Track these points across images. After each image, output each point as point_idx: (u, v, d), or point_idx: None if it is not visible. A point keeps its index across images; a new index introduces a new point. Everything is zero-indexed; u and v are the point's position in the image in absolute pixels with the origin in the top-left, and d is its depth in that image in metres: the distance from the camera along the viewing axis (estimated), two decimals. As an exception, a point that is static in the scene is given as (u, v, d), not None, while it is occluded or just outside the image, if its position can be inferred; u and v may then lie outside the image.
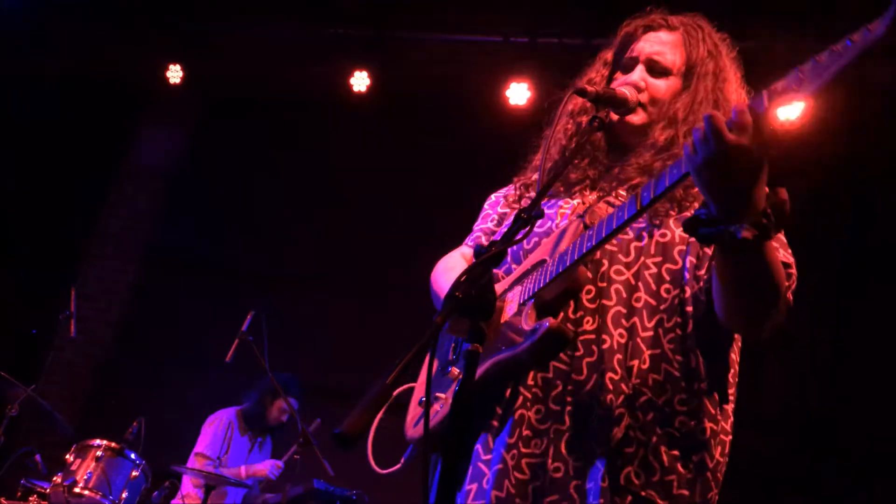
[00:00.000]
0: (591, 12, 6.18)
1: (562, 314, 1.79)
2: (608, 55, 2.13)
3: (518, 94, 6.47)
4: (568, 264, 1.68)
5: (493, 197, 2.26)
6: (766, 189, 1.44)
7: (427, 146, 6.81)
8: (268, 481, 5.39)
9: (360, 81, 6.79)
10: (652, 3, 2.12)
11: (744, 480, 5.37)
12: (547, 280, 1.72)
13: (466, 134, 6.63)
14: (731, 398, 1.85)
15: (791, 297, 1.71)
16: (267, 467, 5.40)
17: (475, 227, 2.24)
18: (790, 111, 5.74)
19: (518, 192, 2.16)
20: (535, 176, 2.02)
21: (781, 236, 1.81)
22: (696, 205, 1.83)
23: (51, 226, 7.34)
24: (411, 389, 2.04)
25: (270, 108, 7.27)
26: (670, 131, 1.91)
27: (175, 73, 7.10)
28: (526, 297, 1.76)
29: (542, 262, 1.81)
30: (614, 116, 1.96)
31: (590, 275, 1.80)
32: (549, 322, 1.63)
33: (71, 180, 7.33)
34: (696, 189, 1.80)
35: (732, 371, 1.86)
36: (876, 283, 5.81)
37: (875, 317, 5.76)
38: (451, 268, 2.14)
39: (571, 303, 1.80)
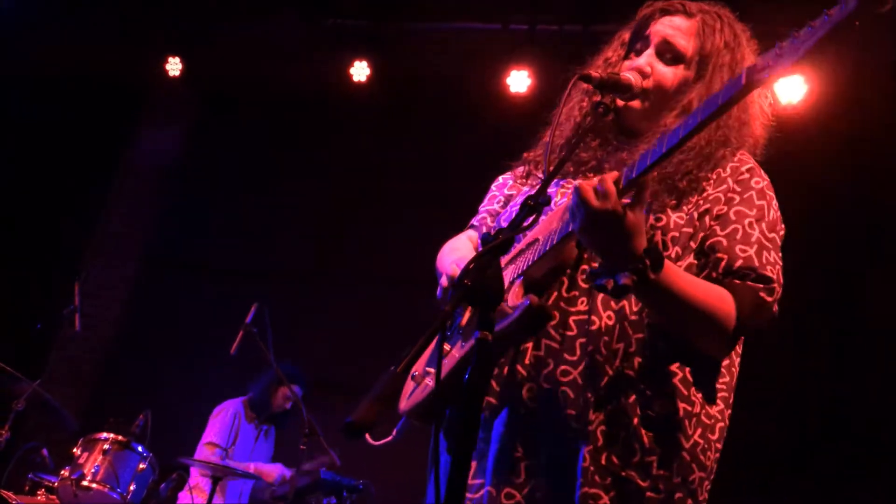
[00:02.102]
0: (590, -2, 6.17)
1: (555, 293, 1.82)
2: (626, 35, 2.11)
3: (518, 81, 6.44)
4: (556, 242, 1.73)
5: (500, 179, 2.26)
6: (643, 237, 1.59)
7: (428, 135, 6.80)
8: (269, 484, 5.42)
9: (359, 71, 6.77)
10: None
11: (753, 465, 5.41)
12: (536, 258, 1.77)
13: (467, 122, 6.61)
14: (723, 387, 1.85)
15: (775, 309, 1.78)
16: (275, 474, 5.42)
17: (480, 209, 2.25)
18: (792, 94, 5.73)
19: (527, 169, 2.16)
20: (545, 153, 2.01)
21: (771, 242, 1.81)
22: (695, 197, 1.85)
23: (53, 223, 7.34)
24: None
25: (269, 101, 7.25)
26: (681, 120, 1.86)
27: (174, 66, 7.08)
28: (516, 275, 1.80)
29: (535, 241, 1.83)
30: (620, 102, 1.94)
31: (585, 255, 1.82)
32: (529, 299, 1.67)
33: (71, 178, 7.33)
34: (702, 179, 1.85)
35: (718, 365, 1.86)
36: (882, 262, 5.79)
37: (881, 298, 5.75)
38: (456, 249, 2.15)
39: (565, 280, 1.83)
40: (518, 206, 1.70)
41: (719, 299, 1.73)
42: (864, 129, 5.70)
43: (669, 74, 1.96)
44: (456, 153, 6.62)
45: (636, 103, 1.95)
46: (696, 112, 1.56)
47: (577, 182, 1.60)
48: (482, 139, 6.43)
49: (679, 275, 1.68)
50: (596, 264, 1.67)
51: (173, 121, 7.63)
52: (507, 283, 1.79)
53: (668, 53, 1.97)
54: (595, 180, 1.57)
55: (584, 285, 1.81)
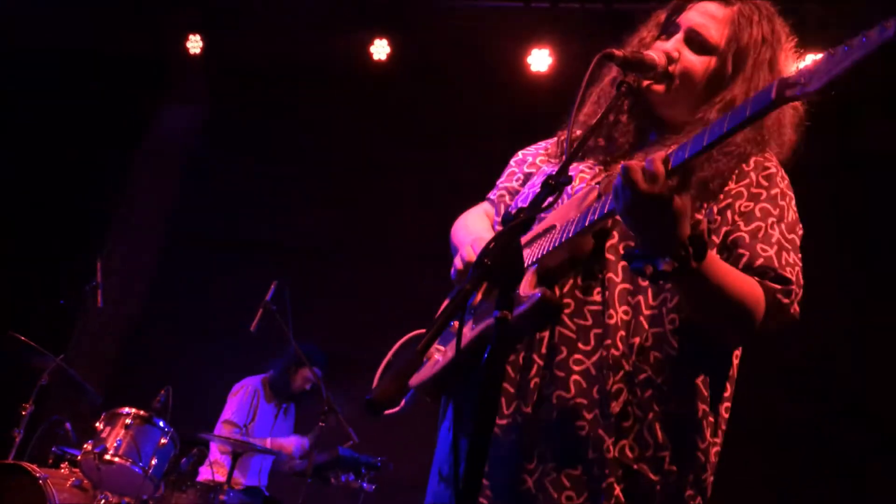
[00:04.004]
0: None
1: (571, 281, 1.80)
2: (662, 16, 2.02)
3: (539, 60, 6.40)
4: (572, 234, 1.70)
5: (520, 154, 2.23)
6: (687, 223, 1.54)
7: (448, 114, 6.78)
8: (290, 458, 5.46)
9: (380, 50, 6.74)
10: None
11: (771, 444, 5.40)
12: (552, 248, 1.74)
13: (488, 101, 6.58)
14: (729, 386, 1.86)
15: (795, 310, 1.75)
16: (293, 445, 5.46)
17: (498, 184, 2.22)
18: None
19: (560, 148, 2.11)
20: (577, 131, 1.97)
21: (791, 243, 1.79)
22: (707, 204, 1.81)
23: (76, 199, 7.40)
24: (417, 337, 2.07)
25: (290, 78, 7.24)
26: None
27: (195, 44, 7.08)
28: (530, 262, 1.77)
29: (552, 227, 1.80)
30: (644, 82, 1.88)
31: (594, 245, 1.80)
32: (541, 291, 1.66)
33: (94, 155, 7.38)
34: (729, 178, 1.81)
35: (731, 364, 1.87)
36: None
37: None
38: (471, 223, 2.13)
39: (581, 269, 1.81)
40: (538, 186, 1.68)
41: (752, 294, 1.70)
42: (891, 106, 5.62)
43: (697, 63, 1.89)
44: (476, 132, 6.59)
45: (660, 87, 1.88)
46: (737, 111, 1.49)
47: (624, 161, 1.55)
48: (502, 118, 6.41)
49: (719, 265, 1.65)
50: (633, 244, 1.63)
51: (195, 98, 7.64)
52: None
53: (697, 42, 1.90)
54: (642, 160, 1.52)
55: (599, 276, 1.79)
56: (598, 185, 1.81)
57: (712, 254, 1.62)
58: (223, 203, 7.36)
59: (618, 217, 1.65)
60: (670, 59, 1.89)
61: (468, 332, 1.81)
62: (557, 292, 1.79)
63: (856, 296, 5.81)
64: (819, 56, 1.36)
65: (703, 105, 1.88)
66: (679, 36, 1.92)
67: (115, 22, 7.27)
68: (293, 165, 7.25)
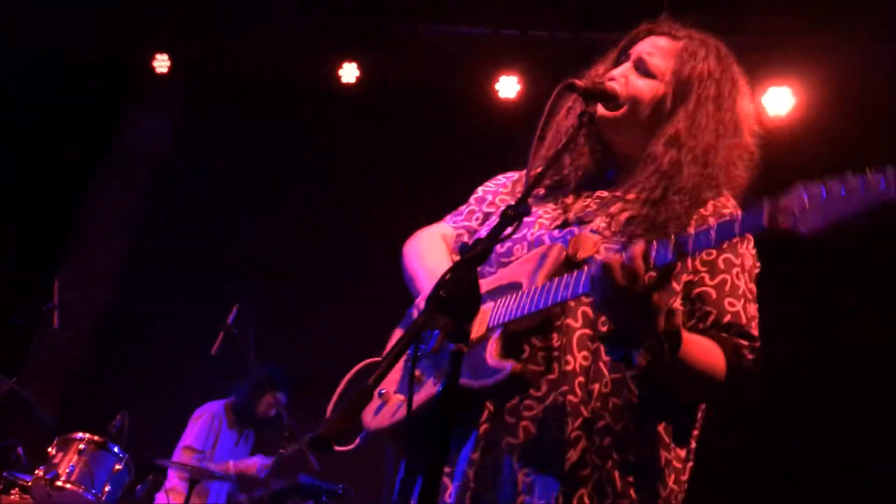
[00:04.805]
0: (580, 5, 6.16)
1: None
2: (616, 52, 2.07)
3: (507, 87, 6.43)
4: (542, 307, 1.68)
5: (479, 191, 2.22)
6: (663, 317, 1.54)
7: (416, 139, 6.78)
8: (255, 479, 5.36)
9: (348, 73, 6.74)
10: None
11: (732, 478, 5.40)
12: (520, 314, 1.71)
13: (455, 126, 6.60)
14: (694, 432, 1.85)
15: (757, 366, 1.76)
16: (255, 465, 5.37)
17: (458, 221, 2.19)
18: (779, 106, 5.74)
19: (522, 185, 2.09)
20: (538, 166, 1.95)
21: (752, 294, 1.81)
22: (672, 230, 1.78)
23: (35, 215, 7.26)
24: (372, 366, 2.04)
25: (258, 97, 7.21)
26: (674, 152, 1.84)
27: (162, 63, 7.03)
28: (495, 323, 1.74)
29: (517, 284, 1.77)
30: (603, 112, 1.90)
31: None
32: (510, 366, 1.64)
33: (55, 169, 7.24)
34: (687, 222, 1.80)
35: (697, 409, 1.86)
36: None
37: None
38: (425, 250, 2.10)
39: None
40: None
41: (715, 361, 1.71)
42: (852, 140, 5.71)
43: (643, 86, 1.93)
44: (443, 157, 6.60)
45: (610, 113, 1.91)
46: (726, 226, 1.47)
47: (603, 255, 1.56)
48: (470, 144, 6.42)
49: (690, 348, 1.64)
50: (606, 328, 1.63)
51: (161, 113, 7.57)
52: (484, 326, 1.75)
53: (643, 69, 1.94)
54: (621, 255, 1.51)
55: (556, 322, 1.76)
56: (564, 245, 1.79)
57: (685, 337, 1.62)
58: (185, 222, 7.27)
59: (616, 242, 1.68)
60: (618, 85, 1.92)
61: (430, 386, 1.78)
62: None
63: (819, 323, 5.87)
64: (812, 188, 1.33)
65: (650, 138, 1.89)
66: (628, 64, 1.97)
67: (82, 35, 7.19)
68: (260, 183, 7.20)
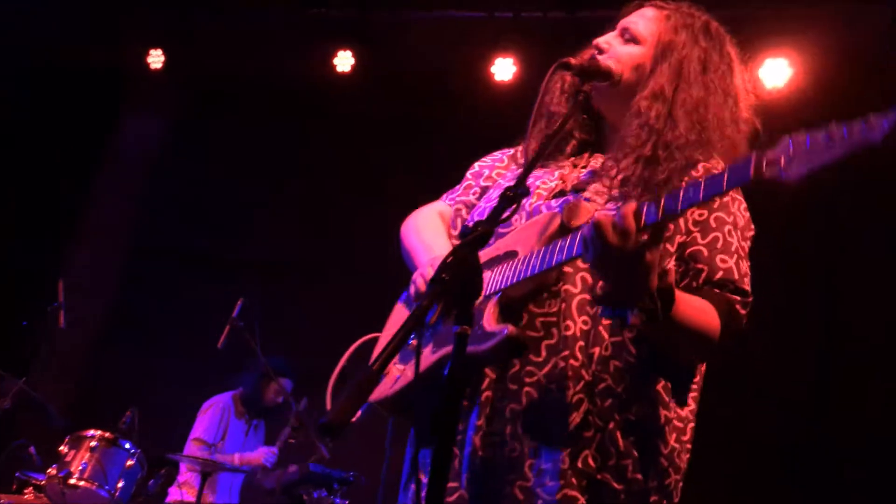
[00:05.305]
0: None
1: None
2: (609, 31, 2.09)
3: (503, 69, 6.42)
4: (538, 271, 1.69)
5: (476, 166, 2.23)
6: (656, 275, 1.55)
7: (413, 125, 6.76)
8: (262, 468, 5.40)
9: (343, 61, 6.72)
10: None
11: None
12: (517, 279, 1.73)
13: (453, 111, 6.58)
14: (694, 387, 1.87)
15: (745, 320, 1.78)
16: (262, 455, 5.41)
17: (455, 197, 2.21)
18: (776, 77, 5.73)
19: (519, 163, 2.13)
20: (534, 144, 1.98)
21: (744, 251, 1.82)
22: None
23: (37, 217, 7.27)
24: (373, 341, 2.09)
25: (253, 91, 7.19)
26: (659, 106, 1.86)
27: (156, 59, 7.01)
28: (492, 291, 1.76)
29: (513, 253, 1.79)
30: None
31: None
32: (507, 329, 1.65)
33: (54, 172, 7.25)
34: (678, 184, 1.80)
35: (696, 369, 1.88)
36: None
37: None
38: (423, 228, 2.13)
39: None
40: (495, 199, 1.67)
41: (709, 320, 1.72)
42: (851, 109, 5.69)
43: (624, 52, 1.95)
44: (442, 142, 6.58)
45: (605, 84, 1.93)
46: (714, 179, 1.46)
47: (595, 214, 1.56)
48: (468, 128, 6.40)
49: (684, 307, 1.65)
50: (600, 287, 1.64)
51: (156, 111, 7.56)
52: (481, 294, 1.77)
53: (626, 36, 1.97)
54: (613, 214, 1.52)
55: (553, 288, 1.78)
56: (559, 212, 1.80)
57: (678, 296, 1.62)
58: (186, 218, 7.27)
59: (611, 207, 1.68)
60: (600, 51, 1.95)
61: (429, 355, 1.79)
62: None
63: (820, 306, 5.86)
64: (799, 136, 1.36)
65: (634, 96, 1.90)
66: (613, 32, 2.00)
67: (77, 35, 7.17)
68: (258, 179, 7.19)
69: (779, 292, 4.98)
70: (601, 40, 1.98)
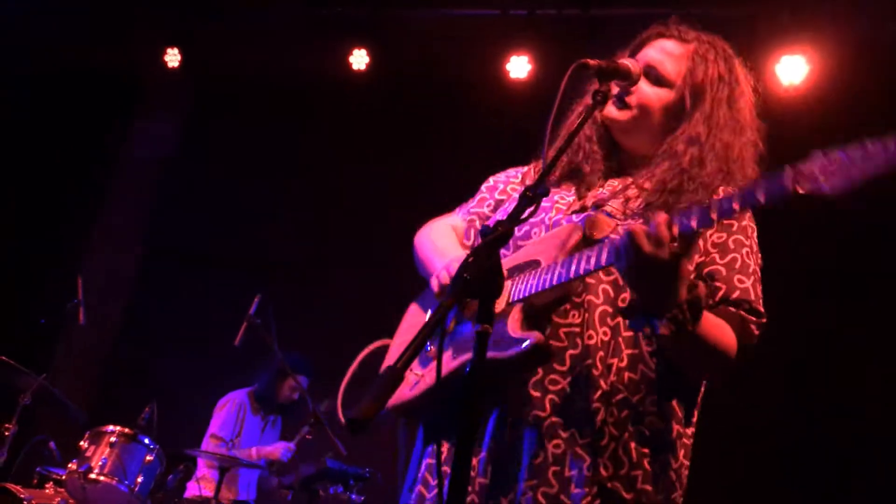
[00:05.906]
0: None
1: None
2: (626, 55, 2.08)
3: (518, 67, 6.41)
4: (564, 280, 1.71)
5: (491, 180, 2.25)
6: (686, 287, 1.58)
7: (429, 122, 6.78)
8: (280, 464, 5.43)
9: (359, 59, 6.74)
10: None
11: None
12: (541, 288, 1.74)
13: (469, 109, 6.59)
14: (698, 405, 1.91)
15: (756, 340, 1.81)
16: (279, 450, 5.44)
17: (469, 209, 2.23)
18: (793, 75, 5.70)
19: (537, 171, 2.15)
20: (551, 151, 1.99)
21: (758, 275, 1.86)
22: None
23: (53, 217, 7.34)
24: (383, 348, 2.11)
25: (268, 91, 7.22)
26: (694, 150, 1.89)
27: (173, 58, 7.03)
28: (516, 299, 1.78)
29: (535, 262, 1.81)
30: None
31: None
32: (534, 337, 1.67)
33: (69, 171, 7.32)
34: (691, 192, 1.85)
35: (699, 390, 1.92)
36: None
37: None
38: (436, 238, 2.15)
39: None
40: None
41: (727, 337, 1.75)
42: (868, 107, 5.66)
43: (652, 95, 1.97)
44: (457, 140, 6.59)
45: (619, 116, 1.96)
46: (748, 193, 1.48)
47: (628, 223, 1.60)
48: (483, 125, 6.42)
49: (709, 324, 1.69)
50: (628, 296, 1.66)
51: (171, 111, 7.60)
52: (504, 302, 1.79)
53: (653, 76, 1.98)
54: (645, 225, 1.56)
55: (576, 299, 1.81)
56: (581, 225, 1.83)
57: (705, 313, 1.66)
58: (202, 217, 7.31)
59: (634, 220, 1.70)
60: (627, 93, 1.96)
61: (449, 360, 1.81)
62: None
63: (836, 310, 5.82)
64: (836, 153, 1.37)
65: (665, 136, 1.94)
66: (631, 59, 1.99)
67: (90, 38, 7.22)
68: (272, 177, 7.22)
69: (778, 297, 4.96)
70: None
